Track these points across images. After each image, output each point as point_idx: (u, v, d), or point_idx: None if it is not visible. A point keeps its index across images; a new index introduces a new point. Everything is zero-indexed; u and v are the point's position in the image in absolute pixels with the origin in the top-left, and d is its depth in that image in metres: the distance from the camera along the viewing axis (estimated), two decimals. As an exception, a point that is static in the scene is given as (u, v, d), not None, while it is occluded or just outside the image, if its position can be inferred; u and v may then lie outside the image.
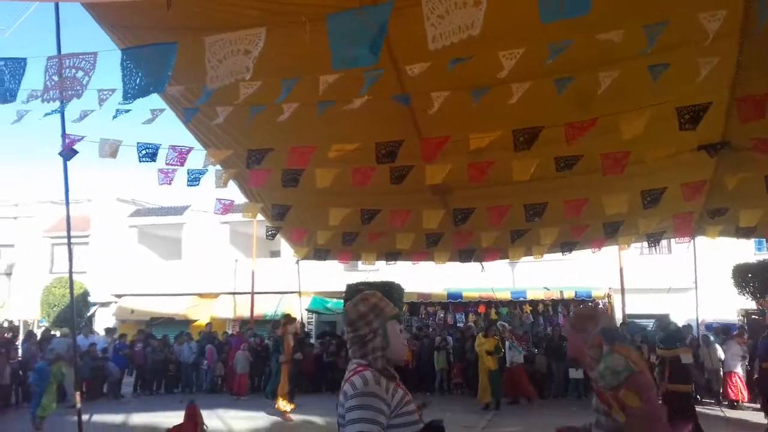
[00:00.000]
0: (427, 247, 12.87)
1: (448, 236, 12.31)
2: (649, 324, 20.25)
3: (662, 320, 9.51)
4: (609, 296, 20.12)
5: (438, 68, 5.49)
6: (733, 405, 13.33)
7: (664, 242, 19.21)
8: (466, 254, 13.87)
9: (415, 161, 8.28)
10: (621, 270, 18.74)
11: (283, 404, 11.86)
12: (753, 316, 17.05)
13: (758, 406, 12.51)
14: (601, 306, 20.16)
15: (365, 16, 3.97)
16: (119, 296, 27.78)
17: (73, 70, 4.76)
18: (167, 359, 17.84)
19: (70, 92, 4.77)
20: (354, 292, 19.69)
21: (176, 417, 12.35)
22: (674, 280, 16.28)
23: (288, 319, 12.40)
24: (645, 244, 14.22)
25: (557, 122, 7.14)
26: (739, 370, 13.54)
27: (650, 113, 6.96)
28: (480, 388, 13.84)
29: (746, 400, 13.42)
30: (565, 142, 7.20)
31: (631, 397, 2.94)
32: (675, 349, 8.84)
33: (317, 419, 12.23)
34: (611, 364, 3.01)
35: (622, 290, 18.92)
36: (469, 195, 9.96)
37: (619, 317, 18.93)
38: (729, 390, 13.55)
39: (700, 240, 13.98)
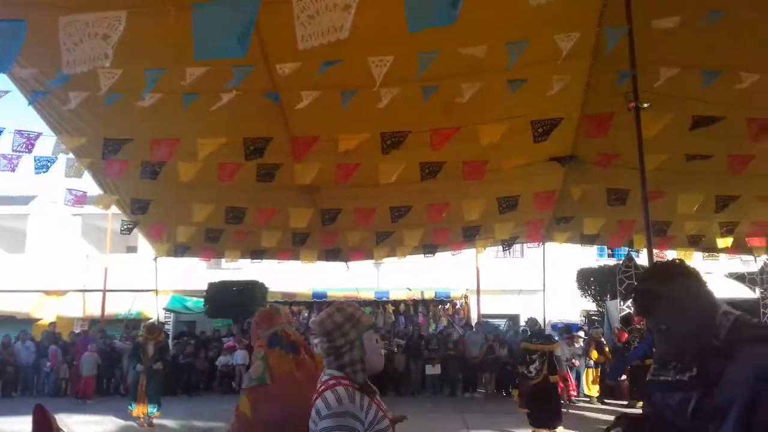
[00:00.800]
0: (294, 246, 12.81)
1: (315, 235, 12.32)
2: (501, 323, 21.50)
3: (531, 320, 10.43)
4: (466, 297, 21.08)
5: (309, 69, 5.49)
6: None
7: (517, 246, 20.50)
8: (332, 254, 13.96)
9: (284, 159, 8.22)
10: (477, 272, 19.67)
11: (138, 409, 11.18)
12: (593, 317, 18.57)
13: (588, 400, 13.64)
14: (458, 305, 21.12)
15: (234, 7, 3.89)
16: (-50, 291, 25.15)
17: None
18: (5, 360, 16.37)
19: None
20: (216, 290, 19.18)
21: (15, 422, 11.44)
22: (525, 282, 17.33)
23: (150, 330, 11.85)
24: (500, 248, 15.03)
25: (423, 128, 7.40)
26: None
27: (508, 125, 7.40)
28: None
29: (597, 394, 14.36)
30: (430, 147, 7.47)
31: (245, 404, 3.09)
32: (552, 345, 9.74)
33: (171, 423, 11.76)
34: (253, 369, 3.16)
35: (478, 291, 19.88)
36: (336, 195, 10.04)
37: (474, 316, 19.88)
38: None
39: (550, 245, 14.99)
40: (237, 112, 6.73)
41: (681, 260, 2.22)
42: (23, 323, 21.64)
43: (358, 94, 6.19)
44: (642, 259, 15.39)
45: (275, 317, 3.29)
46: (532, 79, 6.43)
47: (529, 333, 10.73)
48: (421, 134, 7.40)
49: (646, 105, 6.11)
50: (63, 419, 12.10)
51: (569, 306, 20.14)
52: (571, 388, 13.81)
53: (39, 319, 23.02)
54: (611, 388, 13.83)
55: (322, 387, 2.28)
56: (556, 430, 9.17)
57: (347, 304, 2.47)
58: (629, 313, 14.10)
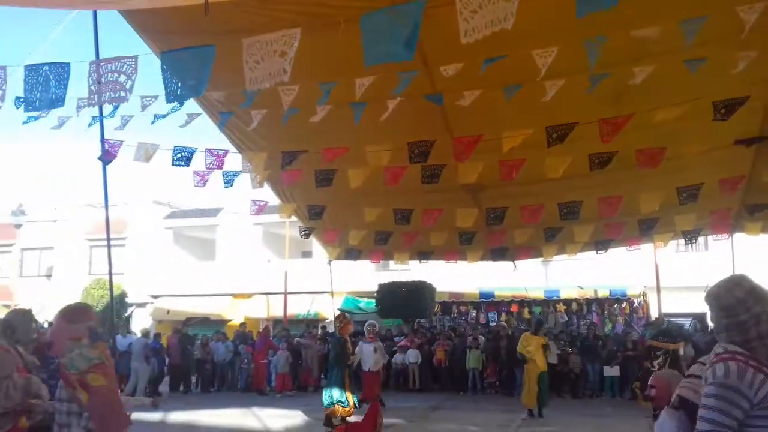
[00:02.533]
0: (460, 245, 12.84)
1: (480, 234, 12.28)
2: (686, 322, 19.91)
3: (663, 320, 10.36)
4: (644, 294, 19.84)
5: (470, 67, 5.49)
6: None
7: (701, 239, 18.86)
8: (498, 253, 13.82)
9: (447, 160, 8.28)
10: (657, 268, 18.44)
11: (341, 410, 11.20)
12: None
13: None
14: (636, 304, 19.91)
15: (397, 15, 4.01)
16: (155, 297, 28.27)
17: (115, 75, 4.88)
18: (203, 359, 18.12)
19: (113, 96, 4.89)
20: (386, 291, 19.75)
21: (213, 415, 12.64)
22: (711, 278, 15.93)
23: (345, 319, 11.89)
24: (682, 241, 13.95)
25: (591, 119, 7.09)
26: None
27: (686, 108, 6.87)
28: (526, 392, 12.81)
29: None
30: (600, 138, 7.14)
31: (98, 378, 3.19)
32: (675, 343, 9.88)
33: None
34: (85, 352, 3.20)
35: (658, 288, 18.61)
36: (501, 193, 9.94)
37: (654, 315, 18.64)
38: None
39: (739, 237, 13.70)
40: (400, 117, 6.90)
41: None
42: (217, 324, 23.82)
43: (521, 89, 6.09)
44: None
45: (89, 313, 3.57)
46: (713, 57, 5.92)
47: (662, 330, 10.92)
48: (589, 126, 7.10)
49: None
50: (255, 412, 13.17)
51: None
52: None
53: (230, 320, 25.17)
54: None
55: (716, 359, 2.35)
56: None
57: (743, 278, 2.48)
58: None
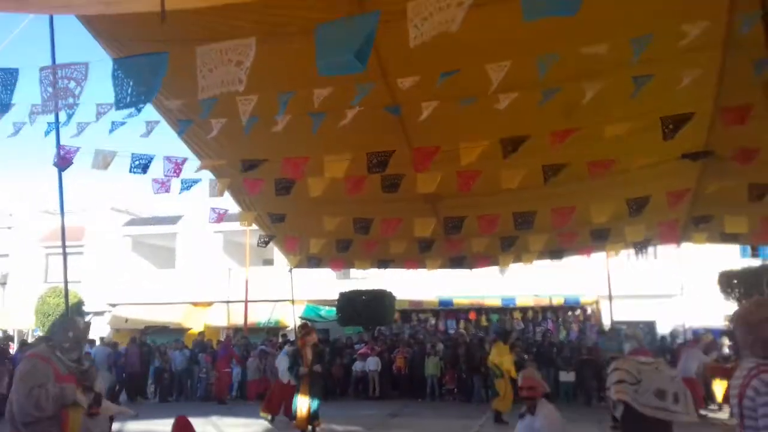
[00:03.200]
0: (420, 253, 13.00)
1: (439, 243, 12.46)
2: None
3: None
4: (597, 302, 20.32)
5: (428, 81, 5.65)
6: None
7: (650, 249, 19.41)
8: (457, 261, 14.03)
9: (406, 170, 8.42)
10: (609, 277, 18.89)
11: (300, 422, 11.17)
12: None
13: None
14: (589, 312, 20.39)
15: (352, 24, 4.09)
16: (113, 305, 27.76)
17: (66, 81, 4.85)
18: (162, 367, 17.89)
19: (63, 102, 4.86)
20: (347, 299, 19.81)
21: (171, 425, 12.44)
22: (660, 286, 16.41)
23: (306, 330, 12.01)
24: (632, 251, 14.36)
25: (544, 132, 7.31)
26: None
27: (634, 123, 7.14)
28: (502, 398, 12.89)
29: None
30: (552, 150, 7.37)
31: None
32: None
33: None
34: None
35: (610, 296, 19.06)
36: (459, 204, 10.12)
37: (607, 323, 19.09)
38: None
39: (684, 247, 14.17)
40: (359, 128, 7.01)
41: None
42: (175, 333, 23.53)
43: (476, 101, 6.26)
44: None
45: None
46: (659, 74, 6.19)
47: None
48: (542, 139, 7.32)
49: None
50: (215, 421, 13.05)
51: (711, 310, 18.83)
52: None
53: (189, 329, 24.89)
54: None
55: (753, 372, 2.61)
56: None
57: (765, 300, 2.85)
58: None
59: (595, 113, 7.05)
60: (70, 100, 4.84)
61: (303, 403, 10.86)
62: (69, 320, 4.75)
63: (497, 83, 5.47)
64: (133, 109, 6.10)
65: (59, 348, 4.48)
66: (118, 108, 4.72)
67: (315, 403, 10.97)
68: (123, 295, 27.36)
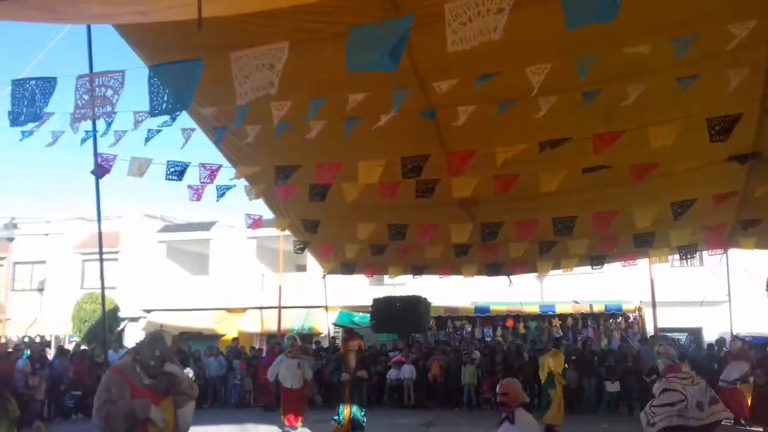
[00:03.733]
0: (456, 258, 12.78)
1: (475, 249, 12.26)
2: (682, 337, 19.87)
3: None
4: (640, 309, 19.82)
5: (465, 85, 5.50)
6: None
7: (696, 254, 18.89)
8: (493, 268, 13.80)
9: (441, 175, 8.28)
10: (652, 283, 18.44)
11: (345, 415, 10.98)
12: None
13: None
14: (631, 319, 19.90)
15: (386, 27, 4.00)
16: (148, 311, 28.07)
17: (103, 89, 4.86)
18: (196, 374, 17.93)
19: (100, 111, 4.86)
20: (381, 305, 19.66)
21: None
22: (707, 292, 15.92)
23: (349, 335, 11.80)
24: (677, 256, 13.96)
25: (585, 134, 7.10)
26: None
27: (679, 125, 6.89)
28: (553, 408, 12.21)
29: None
30: (593, 154, 7.15)
31: None
32: None
33: None
34: None
35: (654, 303, 18.61)
36: (496, 209, 9.93)
37: (651, 330, 18.62)
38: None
39: (734, 252, 13.72)
40: (394, 132, 6.90)
41: None
42: (209, 339, 23.63)
43: (515, 105, 6.09)
44: None
45: None
46: (705, 74, 5.95)
47: None
48: (582, 142, 7.11)
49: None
50: (249, 428, 13.02)
51: (761, 317, 18.20)
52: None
53: (223, 335, 24.99)
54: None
55: None
56: None
57: None
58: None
59: (639, 116, 6.82)
60: (108, 108, 4.84)
61: (344, 410, 10.67)
62: (158, 339, 4.76)
63: (537, 86, 5.30)
64: (168, 118, 6.12)
65: (142, 365, 4.51)
66: (153, 115, 4.69)
67: (358, 411, 10.76)
68: (157, 301, 27.66)
